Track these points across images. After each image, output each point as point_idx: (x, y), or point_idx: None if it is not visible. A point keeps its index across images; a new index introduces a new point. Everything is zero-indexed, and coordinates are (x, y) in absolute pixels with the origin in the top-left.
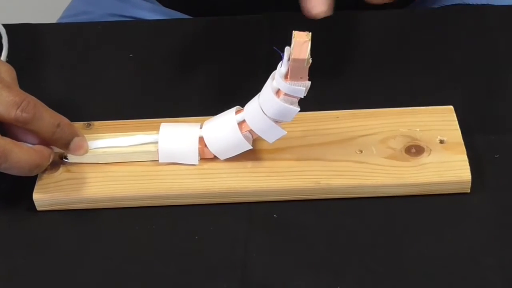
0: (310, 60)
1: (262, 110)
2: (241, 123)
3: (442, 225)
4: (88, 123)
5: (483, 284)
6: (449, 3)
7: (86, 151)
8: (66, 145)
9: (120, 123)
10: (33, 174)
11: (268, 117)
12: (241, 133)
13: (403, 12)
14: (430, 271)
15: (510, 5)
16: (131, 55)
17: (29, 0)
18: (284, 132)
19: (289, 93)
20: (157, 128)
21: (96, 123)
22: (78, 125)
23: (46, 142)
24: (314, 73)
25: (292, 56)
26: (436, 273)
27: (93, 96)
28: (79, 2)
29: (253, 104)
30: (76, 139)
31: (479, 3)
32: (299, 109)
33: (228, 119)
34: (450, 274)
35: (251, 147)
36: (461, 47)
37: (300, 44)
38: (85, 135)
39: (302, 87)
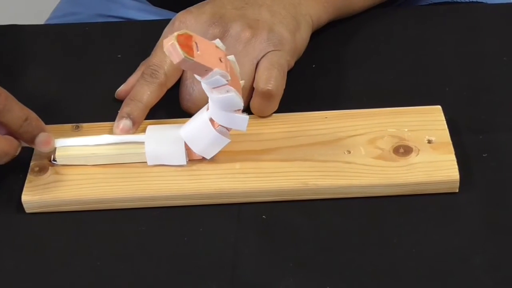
0: (199, 52)
1: (215, 106)
2: (212, 120)
3: (431, 224)
4: (76, 125)
5: (472, 283)
6: (438, 1)
7: (52, 148)
8: (32, 139)
9: (109, 125)
10: (1, 163)
11: (222, 110)
12: (215, 129)
13: (391, 10)
14: (419, 270)
15: (498, 3)
16: (119, 55)
17: (17, 1)
18: (246, 117)
19: (213, 86)
20: (145, 130)
21: (85, 125)
22: (67, 127)
23: (13, 134)
24: (302, 73)
25: (175, 63)
26: (425, 273)
27: (81, 97)
28: (67, 3)
29: (210, 102)
30: (42, 134)
31: (468, 0)
32: (234, 93)
33: (201, 118)
34: (439, 273)
35: (229, 140)
36: (449, 46)
37: (169, 50)
38: (72, 136)
39: (216, 76)
